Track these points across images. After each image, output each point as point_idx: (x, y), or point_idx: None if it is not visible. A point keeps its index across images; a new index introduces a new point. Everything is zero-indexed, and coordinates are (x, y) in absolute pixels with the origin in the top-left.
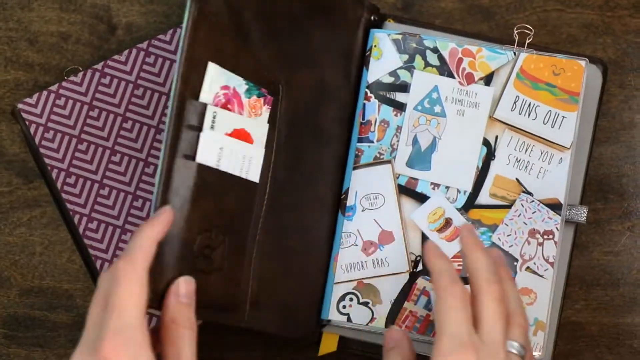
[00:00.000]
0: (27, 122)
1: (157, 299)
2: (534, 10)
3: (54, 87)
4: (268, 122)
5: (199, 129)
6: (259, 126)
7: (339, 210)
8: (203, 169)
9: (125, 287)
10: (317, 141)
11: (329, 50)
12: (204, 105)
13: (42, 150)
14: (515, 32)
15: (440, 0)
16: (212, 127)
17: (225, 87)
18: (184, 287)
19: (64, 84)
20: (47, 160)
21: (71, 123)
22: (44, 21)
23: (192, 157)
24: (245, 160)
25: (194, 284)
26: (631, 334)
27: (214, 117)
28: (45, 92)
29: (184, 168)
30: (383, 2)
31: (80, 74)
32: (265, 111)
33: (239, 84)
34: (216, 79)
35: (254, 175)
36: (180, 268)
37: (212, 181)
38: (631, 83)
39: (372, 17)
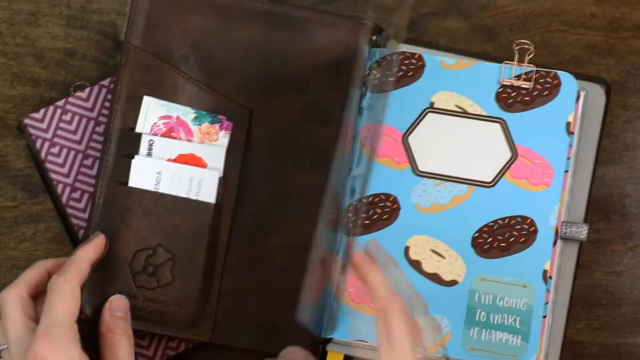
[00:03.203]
0: (33, 137)
1: (94, 312)
2: (538, 30)
3: (60, 102)
4: (228, 146)
5: (132, 156)
6: (214, 151)
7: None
8: (137, 192)
9: (57, 295)
10: (308, 161)
11: (324, 71)
12: (139, 135)
13: (47, 165)
14: (515, 48)
15: (445, 20)
16: (149, 154)
17: (167, 117)
18: (116, 304)
19: (70, 99)
20: (52, 175)
21: (77, 138)
22: (50, 37)
23: (125, 182)
24: (193, 183)
25: (126, 301)
26: (633, 355)
27: (151, 145)
28: (51, 107)
29: (117, 192)
30: (388, 22)
31: (87, 90)
32: (224, 136)
33: (183, 112)
34: (153, 110)
35: (207, 196)
36: (117, 284)
37: (148, 203)
38: (634, 104)
39: (375, 37)
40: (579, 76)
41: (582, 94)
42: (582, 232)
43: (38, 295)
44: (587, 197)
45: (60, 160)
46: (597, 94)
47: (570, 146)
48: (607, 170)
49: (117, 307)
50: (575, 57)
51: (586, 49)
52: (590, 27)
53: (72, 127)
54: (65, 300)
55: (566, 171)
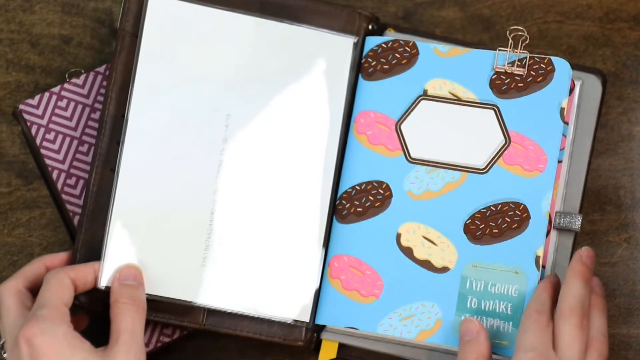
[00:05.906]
0: (28, 123)
1: (91, 300)
2: (535, 21)
3: (55, 89)
4: None
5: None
6: None
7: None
8: None
9: (46, 285)
10: None
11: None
12: None
13: (42, 151)
14: (510, 35)
15: (441, 10)
16: None
17: None
18: (125, 272)
19: (66, 85)
20: (47, 161)
21: (72, 125)
22: (45, 24)
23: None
24: None
25: (138, 269)
26: (627, 345)
27: None
28: (47, 94)
29: (111, 179)
30: (384, 11)
31: (83, 76)
32: None
33: None
34: None
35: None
36: None
37: None
38: (630, 95)
39: (371, 26)
40: (575, 67)
41: (578, 84)
42: (576, 222)
43: (37, 288)
44: (583, 189)
45: (55, 146)
46: (593, 84)
47: (565, 136)
48: (602, 161)
49: (126, 276)
50: (571, 48)
51: (582, 40)
52: (586, 18)
53: (68, 113)
54: (52, 286)
55: (560, 161)
